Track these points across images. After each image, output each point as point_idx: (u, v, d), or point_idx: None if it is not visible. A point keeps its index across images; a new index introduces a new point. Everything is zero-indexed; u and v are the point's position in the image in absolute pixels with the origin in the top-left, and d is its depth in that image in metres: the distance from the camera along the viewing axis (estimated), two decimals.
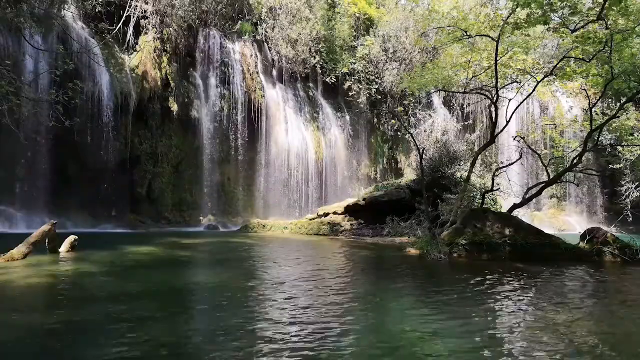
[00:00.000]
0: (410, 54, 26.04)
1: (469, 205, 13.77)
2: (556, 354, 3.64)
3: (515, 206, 12.08)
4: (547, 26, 11.55)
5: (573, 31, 10.89)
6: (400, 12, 27.14)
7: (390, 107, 26.01)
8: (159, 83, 19.89)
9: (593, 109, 12.16)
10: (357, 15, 26.91)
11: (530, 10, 10.60)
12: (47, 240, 8.62)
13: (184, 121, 20.82)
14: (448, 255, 9.73)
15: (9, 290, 5.77)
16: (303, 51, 24.22)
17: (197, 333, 4.18)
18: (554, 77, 13.29)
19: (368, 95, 26.30)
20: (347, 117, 26.53)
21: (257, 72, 23.34)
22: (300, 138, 23.87)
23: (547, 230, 11.46)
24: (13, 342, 3.75)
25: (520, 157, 13.71)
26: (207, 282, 6.96)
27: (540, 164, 16.73)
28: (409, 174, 23.76)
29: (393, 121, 26.53)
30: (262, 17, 24.16)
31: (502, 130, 13.92)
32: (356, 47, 26.52)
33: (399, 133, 26.51)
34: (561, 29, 11.53)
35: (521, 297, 5.97)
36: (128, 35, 19.59)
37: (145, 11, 19.88)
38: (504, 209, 13.89)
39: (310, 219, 18.55)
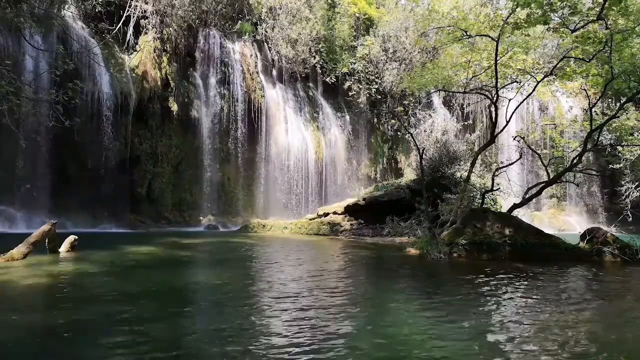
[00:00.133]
0: (410, 54, 26.04)
1: (469, 205, 13.76)
2: (557, 356, 3.64)
3: (515, 206, 12.08)
4: (547, 26, 11.56)
5: (573, 31, 10.89)
6: (400, 12, 27.13)
7: (390, 107, 26.00)
8: (159, 83, 19.89)
9: (593, 109, 12.17)
10: (357, 15, 26.90)
11: (530, 10, 10.60)
12: (47, 240, 8.62)
13: (184, 121, 20.82)
14: (448, 255, 9.73)
15: (9, 290, 5.77)
16: (303, 51, 24.22)
17: (197, 333, 4.18)
18: (554, 77, 13.29)
19: (368, 95, 26.29)
20: (347, 117, 26.53)
21: (257, 72, 23.34)
22: (300, 138, 23.86)
23: (547, 230, 11.46)
24: (13, 342, 3.75)
25: (520, 157, 13.73)
26: (207, 282, 6.96)
27: (540, 164, 16.72)
28: (409, 174, 23.75)
29: (393, 121, 26.52)
30: (262, 17, 24.16)
31: (502, 130, 13.93)
32: (356, 47, 26.52)
33: (399, 133, 26.50)
34: (561, 29, 11.54)
35: (521, 298, 5.97)
36: (128, 35, 19.60)
37: (145, 11, 19.89)
38: (504, 209, 13.89)
39: (310, 219, 18.54)
